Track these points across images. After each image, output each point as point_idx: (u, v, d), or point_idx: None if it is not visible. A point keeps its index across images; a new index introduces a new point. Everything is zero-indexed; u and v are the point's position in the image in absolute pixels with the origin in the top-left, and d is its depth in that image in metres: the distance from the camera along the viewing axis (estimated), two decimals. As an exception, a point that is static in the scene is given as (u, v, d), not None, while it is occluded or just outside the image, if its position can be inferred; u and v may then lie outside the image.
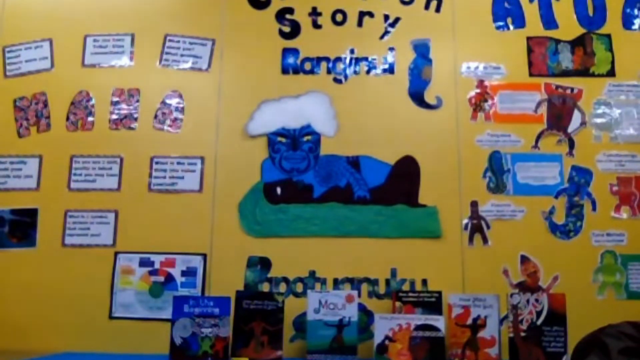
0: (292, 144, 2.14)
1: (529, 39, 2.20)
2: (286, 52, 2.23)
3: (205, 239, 2.10)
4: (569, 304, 1.78)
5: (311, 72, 2.21)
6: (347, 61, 2.21)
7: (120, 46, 2.27)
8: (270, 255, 2.07)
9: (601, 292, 2.01)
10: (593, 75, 2.17)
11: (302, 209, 2.10)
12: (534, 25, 2.22)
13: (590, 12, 2.22)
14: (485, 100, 2.16)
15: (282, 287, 2.05)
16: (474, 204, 2.08)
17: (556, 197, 2.08)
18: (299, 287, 2.05)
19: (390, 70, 2.20)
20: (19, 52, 2.29)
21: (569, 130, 2.13)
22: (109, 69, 2.26)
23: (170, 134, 2.19)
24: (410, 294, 1.94)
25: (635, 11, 2.22)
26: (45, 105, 2.24)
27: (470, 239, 2.06)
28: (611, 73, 2.17)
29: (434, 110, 2.16)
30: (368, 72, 2.21)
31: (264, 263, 2.07)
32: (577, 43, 2.20)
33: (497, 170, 2.11)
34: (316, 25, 2.25)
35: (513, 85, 2.17)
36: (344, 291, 1.93)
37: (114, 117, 2.21)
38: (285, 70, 2.22)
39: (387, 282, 2.04)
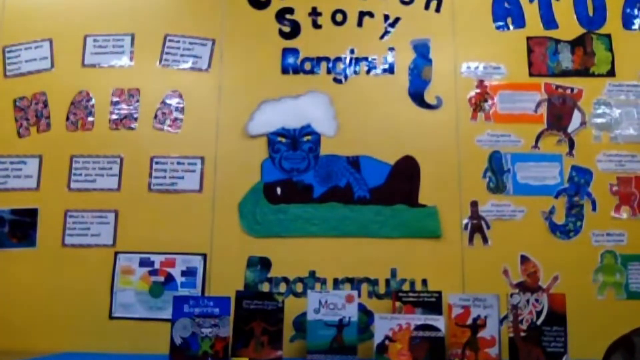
0: (292, 144, 2.14)
1: (529, 39, 2.20)
2: (286, 52, 2.23)
3: (205, 239, 2.10)
4: (569, 304, 1.78)
5: (311, 72, 2.21)
6: (347, 61, 2.21)
7: (120, 46, 2.27)
8: (270, 255, 2.07)
9: (601, 292, 2.01)
10: (593, 75, 2.17)
11: (302, 209, 2.10)
12: (534, 25, 2.21)
13: (590, 12, 2.22)
14: (485, 100, 2.16)
15: (282, 287, 2.05)
16: (474, 204, 2.08)
17: (556, 197, 2.08)
18: (299, 287, 2.05)
19: (390, 70, 2.20)
20: (19, 52, 2.29)
21: (569, 130, 2.13)
22: (109, 69, 2.26)
23: (170, 134, 2.19)
24: (410, 294, 1.93)
25: (635, 11, 2.22)
26: (45, 105, 2.23)
27: (470, 239, 2.06)
28: (611, 73, 2.17)
29: (434, 110, 2.16)
30: (368, 72, 2.21)
31: (264, 263, 2.07)
32: (577, 43, 2.20)
33: (497, 170, 2.10)
34: (316, 25, 2.25)
35: (513, 85, 2.17)
36: (344, 291, 1.93)
37: (114, 117, 2.21)
38: (285, 70, 2.22)
39: (387, 282, 2.03)
